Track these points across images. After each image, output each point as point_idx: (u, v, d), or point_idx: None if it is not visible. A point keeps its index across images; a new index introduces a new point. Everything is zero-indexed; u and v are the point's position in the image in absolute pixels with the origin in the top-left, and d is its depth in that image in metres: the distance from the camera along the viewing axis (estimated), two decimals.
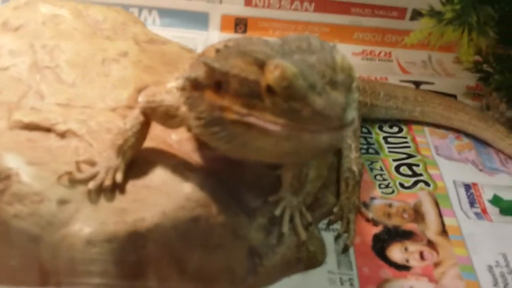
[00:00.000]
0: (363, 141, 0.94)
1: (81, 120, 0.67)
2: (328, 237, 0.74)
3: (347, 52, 0.45)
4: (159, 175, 0.62)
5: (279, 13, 1.21)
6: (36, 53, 0.77)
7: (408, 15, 1.20)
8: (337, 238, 0.74)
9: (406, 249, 0.74)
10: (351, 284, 0.69)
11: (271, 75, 0.46)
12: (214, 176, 0.65)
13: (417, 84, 1.12)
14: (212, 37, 1.20)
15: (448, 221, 0.79)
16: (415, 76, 1.16)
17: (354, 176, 0.80)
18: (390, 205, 0.81)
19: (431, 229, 0.77)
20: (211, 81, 0.53)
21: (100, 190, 0.59)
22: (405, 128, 0.99)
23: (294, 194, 0.68)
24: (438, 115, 0.98)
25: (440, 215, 0.80)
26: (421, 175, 0.87)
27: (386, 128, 0.99)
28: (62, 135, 0.66)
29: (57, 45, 0.79)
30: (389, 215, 0.79)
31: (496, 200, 0.83)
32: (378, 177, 0.86)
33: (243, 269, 0.64)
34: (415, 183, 0.86)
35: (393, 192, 0.84)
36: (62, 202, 0.57)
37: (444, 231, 0.77)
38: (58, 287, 0.57)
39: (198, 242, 0.61)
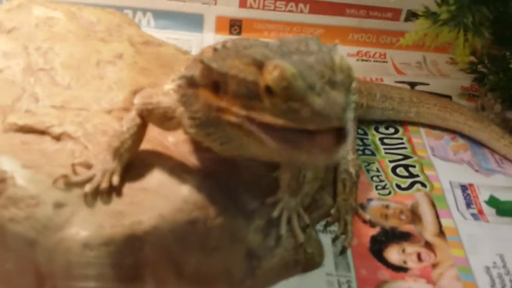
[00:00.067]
0: (359, 142, 0.94)
1: (76, 122, 0.67)
2: (325, 239, 0.74)
3: (342, 53, 0.45)
4: (156, 178, 0.61)
5: (274, 15, 1.21)
6: (30, 55, 0.76)
7: (403, 16, 1.20)
8: (334, 240, 0.74)
9: (403, 250, 0.74)
10: (349, 286, 0.68)
11: (270, 76, 0.46)
12: (211, 178, 0.64)
13: (412, 85, 1.12)
14: (207, 38, 1.19)
15: (445, 222, 0.79)
16: (410, 77, 1.16)
17: (351, 177, 0.80)
18: (387, 207, 0.81)
19: (428, 230, 0.77)
20: (207, 81, 0.52)
21: (97, 193, 0.58)
22: (401, 129, 0.99)
23: (292, 195, 0.67)
24: (433, 116, 0.99)
25: (437, 216, 0.80)
26: (417, 176, 0.87)
27: (382, 129, 0.99)
28: (58, 137, 0.65)
29: (51, 47, 0.78)
30: (386, 217, 0.79)
31: (492, 201, 0.83)
32: (375, 179, 0.86)
33: (241, 272, 0.64)
34: (412, 184, 0.86)
35: (390, 193, 0.84)
36: (58, 205, 0.56)
37: (441, 232, 0.77)
38: None
39: (196, 244, 0.60)
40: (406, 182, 0.86)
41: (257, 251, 0.65)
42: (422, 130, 0.99)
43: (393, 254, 0.73)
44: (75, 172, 0.60)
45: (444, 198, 0.83)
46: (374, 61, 1.22)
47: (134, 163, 0.62)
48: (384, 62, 1.21)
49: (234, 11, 1.20)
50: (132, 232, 0.56)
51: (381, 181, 0.86)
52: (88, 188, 0.58)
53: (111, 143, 0.61)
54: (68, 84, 0.73)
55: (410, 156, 0.92)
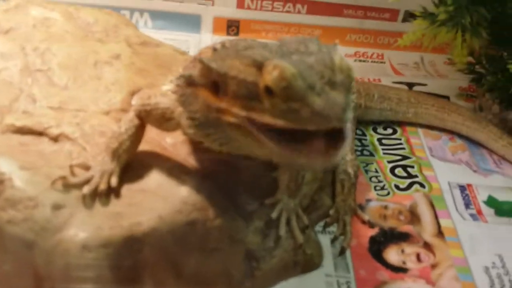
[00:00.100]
0: (357, 143, 0.94)
1: (74, 123, 0.67)
2: (324, 240, 0.74)
3: (342, 54, 0.46)
4: (155, 179, 0.61)
5: (272, 15, 1.20)
6: (28, 56, 0.76)
7: (401, 17, 1.20)
8: (333, 240, 0.74)
9: (402, 251, 0.74)
10: (348, 287, 0.68)
11: (270, 76, 0.46)
12: (210, 179, 0.64)
13: (410, 85, 1.12)
14: (204, 39, 1.19)
15: (444, 222, 0.79)
16: (408, 77, 1.16)
17: (349, 178, 0.80)
18: (385, 207, 0.81)
19: (427, 231, 0.77)
20: (206, 81, 0.52)
21: (95, 195, 0.58)
22: (399, 130, 0.99)
23: (290, 196, 0.67)
24: (431, 117, 0.98)
25: (436, 217, 0.80)
26: (416, 176, 0.87)
27: (380, 130, 0.99)
28: (55, 139, 0.65)
29: (49, 48, 0.78)
30: (385, 217, 0.79)
31: (491, 201, 0.83)
32: (374, 179, 0.86)
33: (240, 273, 0.64)
34: (410, 184, 0.86)
35: (388, 194, 0.84)
36: (56, 207, 0.56)
37: (440, 233, 0.77)
38: None
39: (195, 246, 0.60)
40: (404, 183, 0.86)
41: (256, 252, 0.65)
42: (420, 131, 0.99)
43: (392, 254, 0.73)
44: (73, 174, 0.59)
45: (442, 198, 0.83)
46: (371, 61, 1.22)
47: (132, 164, 0.62)
48: (381, 62, 1.21)
49: (232, 12, 1.20)
50: (131, 234, 0.56)
51: (379, 181, 0.86)
52: (86, 189, 0.58)
53: (109, 144, 0.61)
54: (65, 85, 0.73)
55: (408, 157, 0.92)
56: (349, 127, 0.45)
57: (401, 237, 0.76)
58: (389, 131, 0.99)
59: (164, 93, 0.66)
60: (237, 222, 0.64)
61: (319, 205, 0.77)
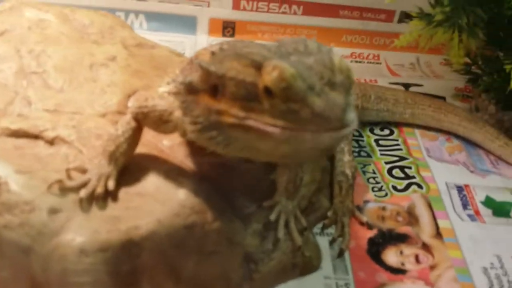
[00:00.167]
0: (354, 144, 0.93)
1: (70, 126, 0.66)
2: (323, 242, 0.74)
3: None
4: (152, 182, 0.61)
5: (267, 16, 1.20)
6: (22, 58, 0.75)
7: (396, 17, 1.20)
8: (332, 242, 0.74)
9: (401, 252, 0.74)
10: None
11: (269, 77, 0.46)
12: (208, 181, 0.64)
13: (406, 86, 1.12)
14: (200, 40, 1.19)
15: (442, 223, 0.79)
16: (404, 78, 1.16)
17: (347, 179, 0.80)
18: (383, 208, 0.81)
19: (426, 232, 0.77)
20: (206, 85, 0.52)
21: (92, 198, 0.57)
22: (396, 131, 0.99)
23: (289, 198, 0.67)
24: (428, 117, 0.99)
25: (434, 218, 0.80)
26: (413, 177, 0.87)
27: (377, 131, 0.98)
28: (51, 142, 0.64)
29: (44, 50, 0.77)
30: (383, 219, 0.79)
31: (488, 202, 0.83)
32: (371, 180, 0.86)
33: (238, 276, 0.63)
34: (408, 185, 0.86)
35: (386, 195, 0.83)
36: (53, 211, 0.55)
37: (438, 234, 0.77)
38: None
39: (193, 249, 0.60)
40: (402, 184, 0.86)
41: (255, 255, 0.64)
42: (417, 131, 0.99)
43: (391, 256, 0.73)
44: (69, 177, 0.58)
45: (440, 199, 0.83)
46: (367, 62, 1.22)
47: (129, 167, 0.61)
48: (377, 63, 1.21)
49: (227, 13, 1.20)
50: (129, 238, 0.55)
51: (377, 182, 0.86)
52: (83, 193, 0.57)
53: (106, 147, 0.60)
54: (61, 87, 0.72)
55: (405, 158, 0.92)
56: (354, 125, 0.45)
57: (400, 239, 0.76)
58: (386, 132, 0.99)
59: (161, 95, 0.66)
60: (235, 224, 0.63)
61: (317, 207, 0.76)
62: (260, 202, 0.66)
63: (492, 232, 0.78)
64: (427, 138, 0.98)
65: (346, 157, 0.81)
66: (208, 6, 1.19)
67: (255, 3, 1.19)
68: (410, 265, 0.72)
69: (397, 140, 0.96)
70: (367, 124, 0.99)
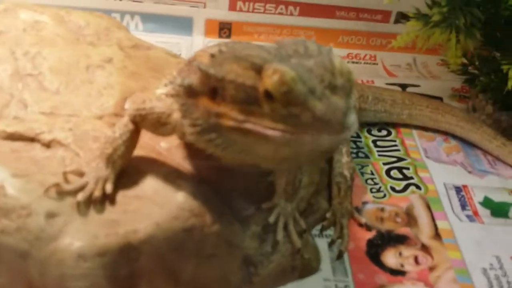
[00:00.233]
0: (352, 145, 0.93)
1: (66, 129, 0.65)
2: (321, 244, 0.73)
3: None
4: (151, 185, 0.60)
5: (264, 17, 1.20)
6: (18, 60, 0.74)
7: (393, 18, 1.20)
8: (331, 244, 0.74)
9: (400, 253, 0.74)
10: None
11: (270, 80, 0.45)
12: (206, 183, 0.63)
13: (403, 86, 1.12)
14: (196, 42, 1.18)
15: (440, 224, 0.79)
16: (401, 79, 1.16)
17: (345, 180, 0.79)
18: (382, 210, 0.81)
19: (424, 233, 0.77)
20: (206, 88, 0.51)
21: (90, 202, 0.57)
22: (393, 131, 0.99)
23: (288, 200, 0.67)
24: (425, 118, 0.99)
25: (433, 219, 0.80)
26: (411, 178, 0.87)
27: (374, 132, 0.98)
28: (48, 145, 0.63)
29: (39, 52, 0.76)
30: (381, 220, 0.79)
31: (487, 202, 0.83)
32: (369, 181, 0.86)
33: (237, 279, 0.63)
34: (406, 186, 0.85)
35: (384, 196, 0.83)
36: (51, 215, 0.55)
37: (437, 235, 0.77)
38: None
39: (192, 252, 0.59)
40: (400, 185, 0.86)
41: (254, 258, 0.64)
42: (415, 132, 0.99)
43: (390, 257, 0.73)
44: (67, 181, 0.58)
45: (439, 200, 0.83)
46: (364, 63, 1.21)
47: (127, 169, 0.61)
48: (374, 64, 1.21)
49: (224, 14, 1.19)
50: (128, 241, 0.55)
51: (375, 184, 0.85)
52: (80, 196, 0.56)
53: (103, 149, 0.59)
54: (57, 90, 0.71)
55: (403, 158, 0.92)
56: (355, 129, 0.45)
57: (399, 240, 0.76)
58: (384, 132, 0.98)
59: (158, 97, 0.65)
60: (234, 227, 0.63)
61: (315, 209, 0.76)
62: (258, 204, 0.66)
63: (491, 233, 0.78)
64: (425, 139, 0.98)
65: (344, 158, 0.81)
66: (204, 7, 1.19)
67: (251, 4, 1.18)
68: (409, 267, 0.72)
69: (395, 141, 0.96)
70: (364, 125, 0.99)
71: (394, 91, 1.02)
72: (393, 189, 0.85)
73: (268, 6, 1.18)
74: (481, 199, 0.84)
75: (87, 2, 1.12)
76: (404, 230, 0.77)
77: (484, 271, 0.72)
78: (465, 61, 1.01)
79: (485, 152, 0.95)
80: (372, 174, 0.87)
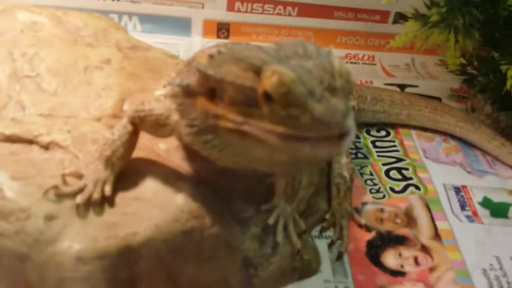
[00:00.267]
0: (351, 145, 0.93)
1: (65, 130, 0.65)
2: (321, 245, 0.73)
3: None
4: (150, 186, 0.60)
5: (262, 18, 1.19)
6: (15, 61, 0.74)
7: (391, 18, 1.20)
8: (330, 245, 0.73)
9: (400, 254, 0.73)
10: None
11: (269, 81, 0.45)
12: (205, 185, 0.63)
13: (402, 87, 1.12)
14: (194, 42, 1.18)
15: (440, 225, 0.78)
16: (400, 79, 1.16)
17: (345, 181, 0.79)
18: (382, 210, 0.80)
19: (424, 234, 0.77)
20: (204, 88, 0.51)
21: (89, 204, 0.56)
22: (392, 132, 0.99)
23: (287, 201, 0.66)
24: (424, 118, 0.98)
25: (432, 219, 0.79)
26: (411, 179, 0.87)
27: (373, 132, 0.98)
28: (46, 147, 0.63)
29: (37, 53, 0.76)
30: (381, 220, 0.79)
31: (486, 203, 0.83)
32: (369, 182, 0.86)
33: (237, 281, 0.63)
34: (406, 187, 0.85)
35: (384, 197, 0.83)
36: (50, 218, 0.54)
37: (437, 235, 0.77)
38: None
39: (192, 254, 0.59)
40: (399, 185, 0.86)
41: (254, 260, 0.64)
42: (413, 132, 0.99)
43: (390, 258, 0.73)
44: (65, 183, 0.58)
45: (438, 200, 0.83)
46: (362, 63, 1.21)
47: (126, 171, 0.61)
48: (372, 64, 1.21)
49: (222, 15, 1.19)
50: (127, 244, 0.54)
51: (375, 184, 0.85)
52: (79, 199, 0.56)
53: (102, 151, 0.59)
54: (55, 91, 0.71)
55: (402, 159, 0.92)
56: (352, 132, 0.44)
57: (398, 241, 0.75)
58: (383, 133, 0.98)
59: (157, 98, 0.65)
60: (233, 229, 0.63)
61: (315, 210, 0.76)
62: (258, 205, 0.65)
63: (490, 233, 0.78)
64: (424, 139, 0.97)
65: (344, 159, 0.81)
66: (202, 7, 1.18)
67: (249, 4, 1.18)
68: (409, 267, 0.71)
69: (394, 142, 0.96)
70: (363, 125, 0.98)
71: (392, 92, 1.02)
72: (392, 189, 0.85)
73: (266, 6, 1.18)
74: (480, 199, 0.84)
75: (85, 3, 1.12)
76: (403, 231, 0.77)
77: (484, 271, 0.72)
78: (463, 61, 1.01)
79: (484, 152, 0.94)
80: (371, 174, 0.87)
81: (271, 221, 0.65)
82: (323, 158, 0.47)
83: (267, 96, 0.45)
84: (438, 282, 0.70)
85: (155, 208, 0.57)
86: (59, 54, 0.77)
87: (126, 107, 0.71)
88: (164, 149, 0.67)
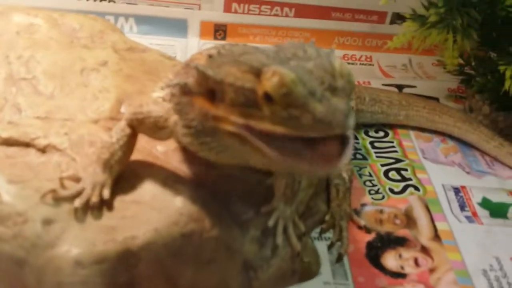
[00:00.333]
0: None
1: (62, 133, 0.65)
2: (321, 246, 0.73)
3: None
4: (148, 189, 0.59)
5: (259, 19, 1.19)
6: (11, 64, 0.73)
7: (388, 19, 1.20)
8: (330, 247, 0.73)
9: (400, 256, 0.73)
10: None
11: (269, 82, 0.44)
12: (204, 187, 0.63)
13: (400, 87, 1.12)
14: (191, 44, 1.17)
15: (440, 225, 0.78)
16: (397, 79, 1.16)
17: (344, 182, 0.79)
18: (381, 211, 0.80)
19: (424, 235, 0.77)
20: (203, 89, 0.51)
21: (87, 208, 0.56)
22: (390, 133, 0.98)
23: (287, 203, 0.66)
24: (422, 119, 0.98)
25: (432, 220, 0.79)
26: (410, 179, 0.87)
27: (372, 133, 0.98)
28: (43, 150, 0.63)
29: (33, 55, 0.75)
30: (381, 222, 0.78)
31: (485, 203, 0.83)
32: (368, 183, 0.85)
33: (237, 284, 0.62)
34: (405, 188, 0.85)
35: (383, 198, 0.83)
36: (47, 222, 0.54)
37: (436, 236, 0.76)
38: None
39: (191, 257, 0.58)
40: (399, 186, 0.85)
41: (254, 262, 0.63)
42: (412, 133, 0.99)
43: (390, 260, 0.72)
44: (63, 186, 0.57)
45: (437, 201, 0.83)
46: (360, 64, 1.21)
47: (124, 174, 0.60)
48: (370, 65, 1.21)
49: (219, 16, 1.19)
50: (126, 248, 0.54)
51: (374, 185, 0.85)
52: (78, 202, 0.56)
53: (100, 154, 0.59)
54: (51, 94, 0.71)
55: (401, 160, 0.91)
56: (351, 133, 0.44)
57: (398, 242, 0.75)
58: (381, 134, 0.98)
59: (155, 100, 0.64)
60: (233, 231, 0.62)
61: (314, 211, 0.76)
62: (257, 207, 0.65)
63: (490, 234, 0.77)
64: (422, 140, 0.97)
65: None
66: (199, 9, 1.18)
67: (246, 5, 1.18)
68: (409, 269, 0.71)
69: (392, 142, 0.96)
70: (361, 126, 0.98)
71: (390, 92, 1.02)
72: (391, 190, 0.84)
73: (263, 7, 1.18)
74: (479, 199, 0.84)
75: (81, 4, 1.12)
76: (403, 232, 0.77)
77: (484, 272, 0.71)
78: (461, 61, 1.01)
79: (483, 152, 0.94)
80: (370, 175, 0.87)
81: (270, 223, 0.64)
82: (320, 175, 0.47)
83: (268, 97, 0.45)
84: (438, 283, 0.69)
85: (154, 211, 0.57)
86: (55, 57, 0.76)
87: (123, 109, 0.70)
88: (162, 151, 0.66)
